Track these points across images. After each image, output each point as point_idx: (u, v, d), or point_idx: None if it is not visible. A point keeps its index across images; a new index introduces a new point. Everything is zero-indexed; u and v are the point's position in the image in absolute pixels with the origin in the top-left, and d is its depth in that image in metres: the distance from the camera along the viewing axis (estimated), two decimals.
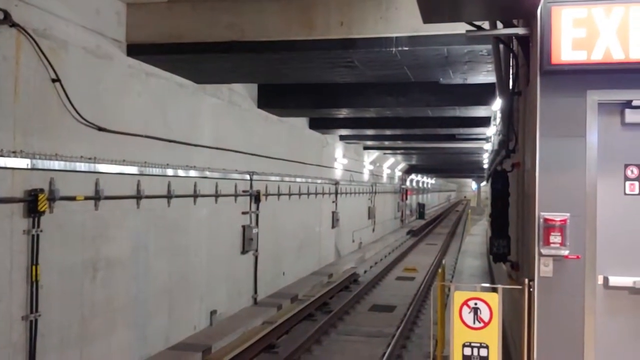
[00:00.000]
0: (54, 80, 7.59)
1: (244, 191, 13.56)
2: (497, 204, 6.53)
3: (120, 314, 9.12)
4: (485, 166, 28.99)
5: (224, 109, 12.75)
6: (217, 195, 12.21)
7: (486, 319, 5.23)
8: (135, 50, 9.07)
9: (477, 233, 34.33)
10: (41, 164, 7.33)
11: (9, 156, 6.87)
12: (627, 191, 5.18)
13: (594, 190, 5.13)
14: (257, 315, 13.30)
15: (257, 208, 14.27)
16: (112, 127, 8.73)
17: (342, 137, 22.89)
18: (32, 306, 7.22)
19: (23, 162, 7.06)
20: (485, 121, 16.12)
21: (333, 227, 22.36)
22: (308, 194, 18.93)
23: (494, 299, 5.25)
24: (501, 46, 6.90)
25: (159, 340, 10.25)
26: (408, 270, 22.57)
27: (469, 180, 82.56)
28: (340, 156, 23.53)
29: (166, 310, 10.49)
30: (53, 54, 7.59)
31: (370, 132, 20.01)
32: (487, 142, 20.56)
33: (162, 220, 10.27)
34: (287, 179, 16.65)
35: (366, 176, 29.86)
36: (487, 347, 5.22)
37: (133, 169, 9.24)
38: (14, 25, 6.95)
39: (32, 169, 7.20)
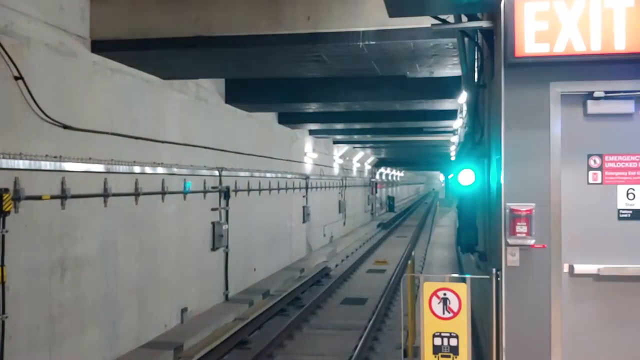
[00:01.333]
0: (16, 78, 7.44)
1: (213, 187, 13.49)
2: (464, 196, 6.62)
3: (89, 313, 9.01)
4: (453, 158, 29.31)
5: (192, 104, 12.65)
6: (185, 192, 12.11)
7: (455, 309, 5.31)
8: (99, 46, 8.94)
9: (446, 224, 34.70)
10: (5, 163, 7.19)
11: None
12: (590, 180, 5.29)
13: (558, 180, 5.23)
14: (228, 311, 13.25)
15: (227, 204, 14.21)
16: (77, 124, 8.60)
17: (311, 132, 22.91)
18: None
19: None
20: (451, 114, 16.29)
21: (304, 221, 22.39)
22: (278, 189, 18.92)
23: (463, 289, 5.33)
24: (466, 39, 6.98)
25: (130, 339, 10.15)
26: (379, 263, 22.73)
27: (437, 172, 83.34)
28: (310, 150, 23.54)
29: (136, 309, 10.39)
30: (15, 51, 7.44)
31: (339, 126, 20.07)
32: (454, 134, 20.78)
33: (131, 218, 10.16)
34: (256, 174, 16.60)
35: (336, 170, 29.94)
36: (456, 336, 5.30)
37: (100, 167, 9.12)
38: None
39: None
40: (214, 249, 13.64)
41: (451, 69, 10.14)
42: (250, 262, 16.31)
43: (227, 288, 14.38)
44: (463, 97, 11.20)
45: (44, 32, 8.02)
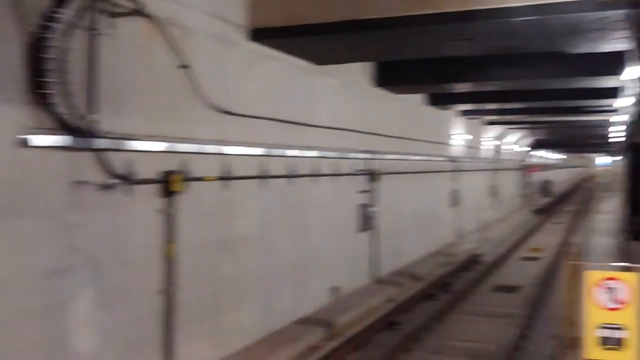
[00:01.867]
0: (183, 67, 7.92)
1: (361, 170, 13.63)
2: (634, 179, 6.15)
3: (248, 288, 9.52)
4: (614, 140, 27.26)
5: (342, 89, 12.84)
6: (335, 175, 12.36)
7: (624, 300, 4.96)
8: (257, 34, 9.31)
9: (607, 210, 32.42)
10: (175, 147, 7.76)
11: (146, 140, 7.33)
12: None
13: None
14: (377, 292, 13.38)
15: (375, 187, 14.30)
16: (236, 110, 9.04)
17: (461, 113, 22.36)
18: (168, 281, 7.70)
19: (159, 146, 7.52)
20: (612, 92, 15.09)
21: (453, 205, 21.96)
22: (426, 172, 18.69)
23: (633, 279, 4.96)
24: (637, 11, 6.43)
25: (285, 314, 10.58)
26: (533, 250, 21.79)
27: (597, 155, 77.91)
28: (460, 132, 22.99)
29: (290, 286, 10.81)
30: (181, 41, 7.94)
31: (491, 106, 19.43)
32: (615, 114, 19.28)
33: (285, 200, 10.56)
34: (404, 157, 16.53)
35: (488, 152, 28.98)
36: (625, 329, 4.95)
37: (258, 150, 9.57)
38: (146, 14, 7.32)
39: (167, 151, 7.64)
40: (362, 230, 13.81)
41: (615, 44, 9.37)
42: (398, 244, 16.31)
43: (375, 269, 14.51)
44: (628, 73, 10.36)
45: (206, 22, 8.51)
